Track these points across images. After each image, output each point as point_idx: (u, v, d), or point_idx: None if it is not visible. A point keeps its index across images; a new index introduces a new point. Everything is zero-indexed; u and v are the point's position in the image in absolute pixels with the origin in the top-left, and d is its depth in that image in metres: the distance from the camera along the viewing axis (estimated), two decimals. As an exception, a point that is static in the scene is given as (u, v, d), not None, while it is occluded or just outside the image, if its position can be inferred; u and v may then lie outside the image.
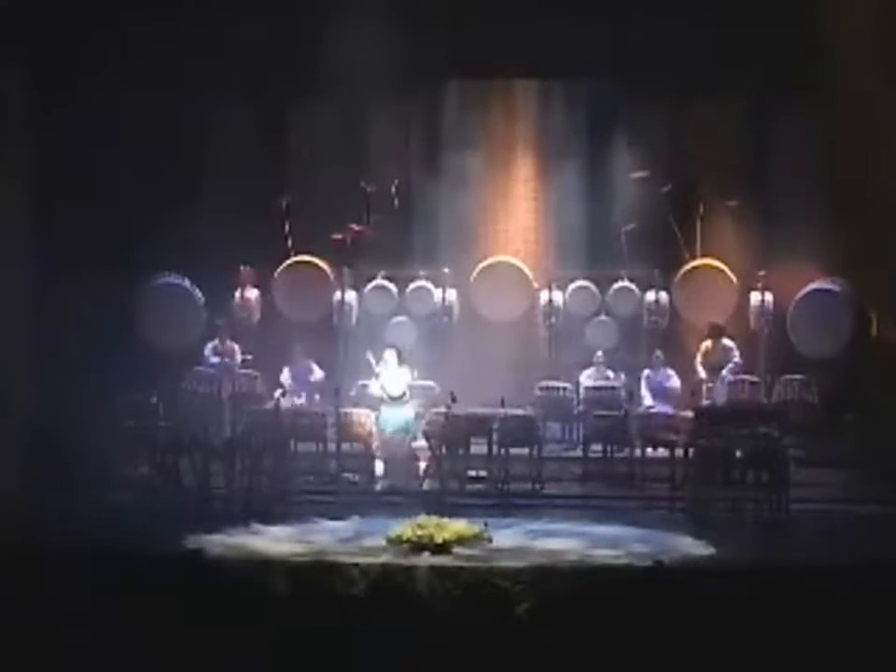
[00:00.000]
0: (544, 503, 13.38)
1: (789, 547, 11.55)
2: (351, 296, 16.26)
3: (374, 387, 14.13)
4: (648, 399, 15.42)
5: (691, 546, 11.23)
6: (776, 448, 12.82)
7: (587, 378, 15.63)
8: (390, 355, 14.14)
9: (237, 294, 16.14)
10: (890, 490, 13.16)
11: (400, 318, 16.36)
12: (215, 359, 15.43)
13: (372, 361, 14.11)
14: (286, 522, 12.07)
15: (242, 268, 16.05)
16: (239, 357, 15.49)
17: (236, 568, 10.17)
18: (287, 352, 15.51)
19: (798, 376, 15.15)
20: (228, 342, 15.57)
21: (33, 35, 13.98)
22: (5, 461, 13.58)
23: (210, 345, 15.55)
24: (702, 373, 15.51)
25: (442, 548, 10.55)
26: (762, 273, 15.77)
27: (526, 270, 16.48)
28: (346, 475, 13.91)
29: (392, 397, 14.04)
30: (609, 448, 14.44)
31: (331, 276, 16.29)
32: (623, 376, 15.65)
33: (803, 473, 13.35)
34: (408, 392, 14.11)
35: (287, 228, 16.19)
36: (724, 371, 15.41)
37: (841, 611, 9.69)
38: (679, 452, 13.45)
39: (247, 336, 16.00)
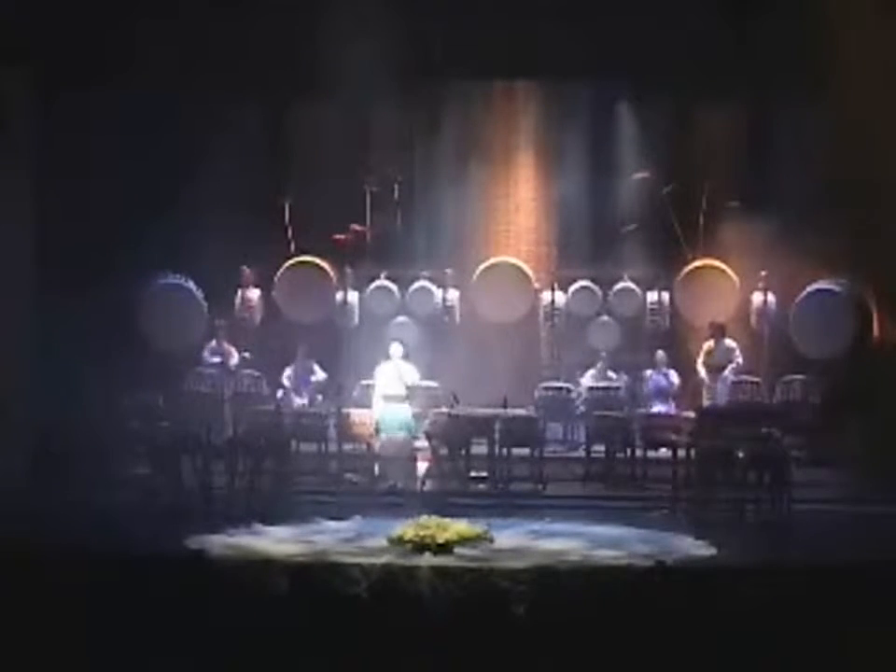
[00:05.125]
0: (546, 503, 13.37)
1: (790, 547, 11.56)
2: (353, 296, 16.27)
3: (382, 384, 14.04)
4: (649, 400, 15.42)
5: (692, 546, 11.23)
6: (777, 448, 12.82)
7: (589, 378, 15.63)
8: (395, 349, 14.10)
9: (239, 294, 16.16)
10: (891, 490, 13.16)
11: (402, 319, 16.36)
12: (214, 360, 15.45)
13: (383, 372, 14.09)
14: (287, 522, 12.07)
15: (243, 268, 16.06)
16: (236, 358, 15.49)
17: (238, 569, 10.17)
18: (288, 352, 15.52)
19: (800, 376, 15.14)
20: (225, 342, 15.58)
21: (36, 36, 13.98)
22: (7, 461, 13.60)
23: (208, 346, 15.57)
24: (703, 374, 15.52)
25: (444, 548, 10.55)
26: (763, 273, 15.78)
27: (528, 270, 16.49)
28: (348, 475, 13.92)
29: (406, 389, 13.96)
30: (610, 448, 14.43)
31: (333, 277, 16.30)
32: (624, 376, 15.66)
33: (804, 474, 13.35)
34: (415, 388, 14.07)
35: (288, 228, 16.20)
36: (726, 372, 15.42)
37: (842, 611, 9.69)
38: (681, 452, 13.44)
39: (249, 336, 16.02)
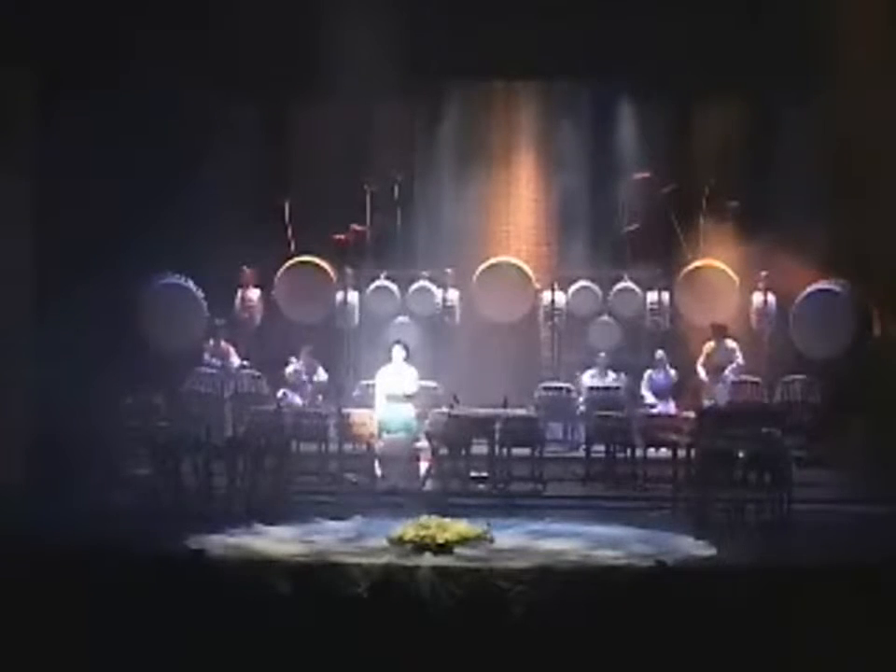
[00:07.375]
0: (546, 504, 13.36)
1: (790, 548, 11.55)
2: (353, 296, 16.27)
3: (384, 385, 14.05)
4: (650, 400, 15.43)
5: (692, 547, 11.20)
6: (778, 449, 12.80)
7: (589, 378, 15.63)
8: (397, 352, 14.11)
9: (239, 294, 16.16)
10: (891, 490, 13.16)
11: (402, 319, 16.36)
12: (213, 360, 15.44)
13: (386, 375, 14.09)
14: (287, 522, 12.05)
15: (243, 268, 16.06)
16: (235, 360, 15.46)
17: (238, 569, 10.16)
18: (289, 352, 15.51)
19: (800, 377, 15.15)
20: (223, 342, 15.57)
21: (36, 37, 13.98)
22: (8, 461, 13.59)
23: (208, 346, 15.56)
24: (703, 375, 15.51)
25: (444, 548, 10.54)
26: (763, 273, 15.79)
27: (528, 270, 16.49)
28: (348, 475, 13.92)
29: (406, 395, 13.96)
30: (610, 448, 14.42)
31: (333, 277, 16.29)
32: (624, 376, 15.65)
33: (805, 474, 13.33)
34: (417, 389, 14.06)
35: (288, 228, 16.20)
36: (726, 372, 15.42)
37: (842, 611, 9.69)
38: (681, 452, 13.44)
39: (249, 336, 16.02)
